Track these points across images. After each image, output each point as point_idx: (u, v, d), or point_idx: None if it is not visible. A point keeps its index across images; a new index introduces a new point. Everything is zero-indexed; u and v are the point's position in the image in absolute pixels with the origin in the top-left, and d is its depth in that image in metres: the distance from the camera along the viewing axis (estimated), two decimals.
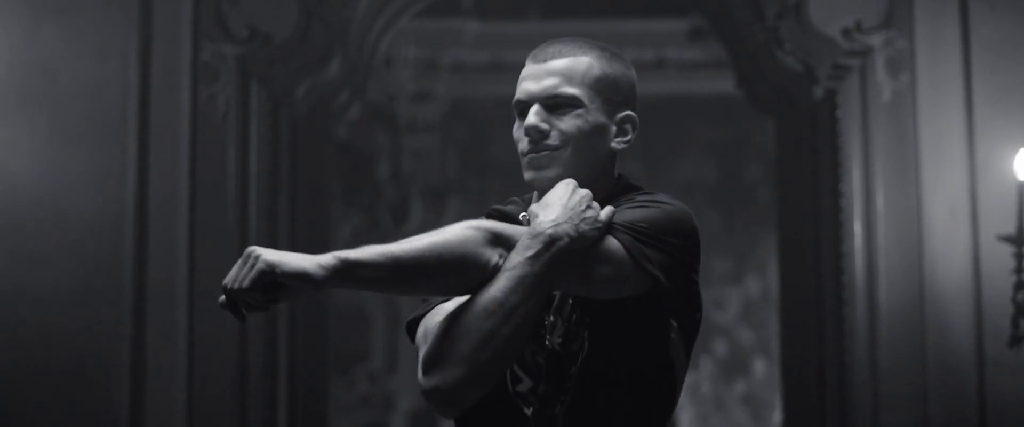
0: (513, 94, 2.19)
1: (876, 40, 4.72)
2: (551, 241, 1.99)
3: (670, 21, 8.76)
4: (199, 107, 4.73)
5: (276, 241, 5.04)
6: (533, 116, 2.12)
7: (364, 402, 9.09)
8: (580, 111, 2.13)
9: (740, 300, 9.81)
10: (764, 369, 9.66)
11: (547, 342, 2.09)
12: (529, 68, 2.17)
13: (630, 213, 2.08)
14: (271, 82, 4.96)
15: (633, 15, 8.72)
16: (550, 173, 2.12)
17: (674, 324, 2.10)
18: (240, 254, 1.90)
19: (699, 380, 9.75)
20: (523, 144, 2.14)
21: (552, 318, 2.10)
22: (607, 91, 2.16)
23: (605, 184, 2.17)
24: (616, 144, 2.18)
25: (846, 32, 4.74)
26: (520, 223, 2.14)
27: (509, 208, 2.22)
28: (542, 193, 2.14)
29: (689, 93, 9.35)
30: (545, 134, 2.12)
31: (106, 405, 4.53)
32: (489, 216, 2.21)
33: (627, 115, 2.19)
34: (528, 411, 2.08)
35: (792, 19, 4.88)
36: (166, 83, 4.68)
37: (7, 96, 4.57)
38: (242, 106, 4.81)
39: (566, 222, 2.01)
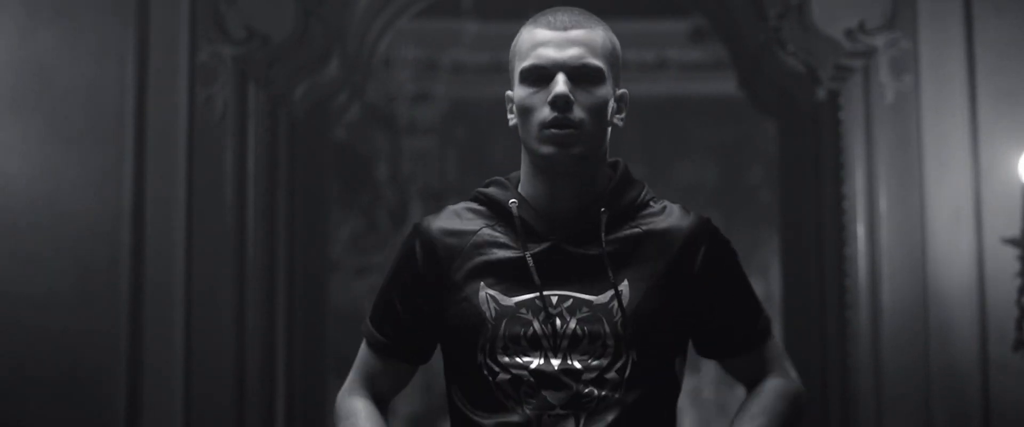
0: None
1: (879, 41, 4.69)
2: None
3: (671, 21, 8.73)
4: (196, 108, 4.70)
5: (274, 243, 5.02)
6: (563, 85, 1.98)
7: None
8: (602, 85, 2.02)
9: None
10: None
11: (562, 358, 1.99)
12: (545, 33, 2.02)
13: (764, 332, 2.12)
14: (269, 83, 4.93)
15: (634, 15, 8.68)
16: (574, 151, 1.99)
17: None
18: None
19: (701, 385, 9.71)
20: (543, 114, 1.99)
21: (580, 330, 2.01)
22: (614, 66, 2.06)
23: (604, 165, 2.08)
24: (617, 121, 2.07)
25: (849, 33, 4.71)
26: (510, 211, 2.05)
27: (493, 191, 2.11)
28: (552, 172, 2.03)
29: (690, 94, 9.32)
30: (571, 106, 1.99)
31: (103, 408, 4.50)
32: (474, 199, 2.13)
33: (623, 93, 2.09)
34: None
35: (794, 19, 4.86)
36: (163, 84, 4.65)
37: (2, 98, 4.54)
38: (240, 107, 4.78)
39: None
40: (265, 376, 4.91)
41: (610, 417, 1.98)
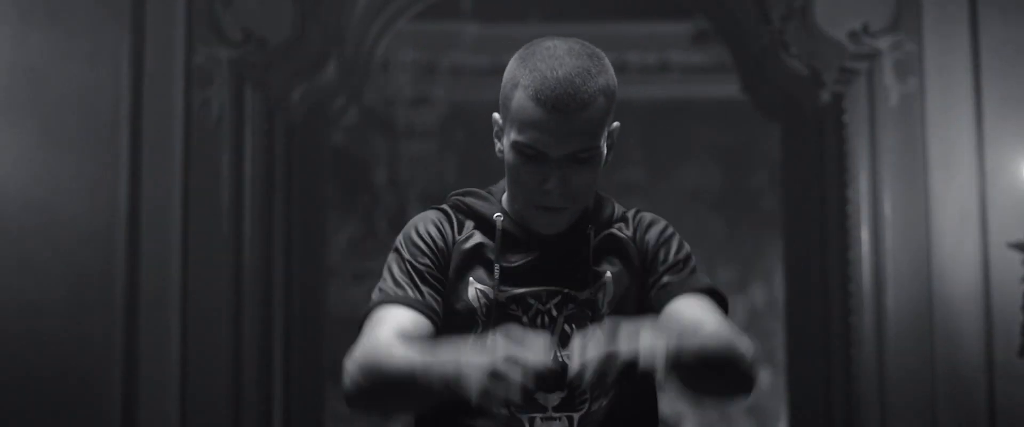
0: None
1: (884, 43, 4.67)
2: None
3: (674, 24, 8.69)
4: (192, 112, 4.68)
5: (271, 248, 4.99)
6: (556, 181, 1.94)
7: None
8: (597, 156, 1.96)
9: (745, 309, 9.73)
10: (769, 379, 9.58)
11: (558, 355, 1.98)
12: (545, 115, 1.92)
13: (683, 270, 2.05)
14: (266, 86, 4.90)
15: (636, 17, 8.65)
16: (562, 219, 2.00)
17: None
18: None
19: None
20: (534, 192, 1.97)
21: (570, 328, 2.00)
22: (611, 109, 1.99)
23: None
24: (607, 158, 2.03)
25: (853, 35, 4.69)
26: (494, 225, 2.04)
27: (473, 201, 2.07)
28: (529, 222, 2.02)
29: (693, 97, 9.28)
30: (564, 192, 1.97)
31: (98, 414, 4.49)
32: (454, 206, 2.08)
33: (615, 127, 2.03)
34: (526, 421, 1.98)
35: (798, 22, 4.83)
36: (159, 87, 4.64)
37: None
38: (236, 111, 4.76)
39: None
40: (262, 382, 4.89)
41: (601, 416, 2.00)
